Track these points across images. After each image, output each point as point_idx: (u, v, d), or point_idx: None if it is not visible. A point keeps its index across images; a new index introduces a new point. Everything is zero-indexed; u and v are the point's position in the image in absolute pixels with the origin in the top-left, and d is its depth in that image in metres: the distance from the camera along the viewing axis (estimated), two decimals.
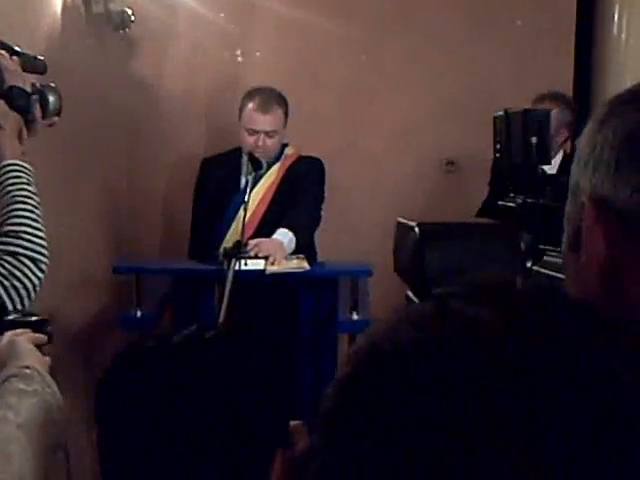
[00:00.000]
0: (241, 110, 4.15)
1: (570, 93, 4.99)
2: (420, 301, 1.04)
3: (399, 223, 1.04)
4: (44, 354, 1.64)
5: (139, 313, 3.91)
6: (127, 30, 4.50)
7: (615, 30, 4.90)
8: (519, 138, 1.49)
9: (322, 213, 4.19)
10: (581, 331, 0.56)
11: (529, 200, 1.43)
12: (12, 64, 2.15)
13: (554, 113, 4.06)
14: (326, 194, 4.22)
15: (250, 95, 4.16)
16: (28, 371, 1.51)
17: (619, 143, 0.86)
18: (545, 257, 1.68)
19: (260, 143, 4.07)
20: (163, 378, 1.27)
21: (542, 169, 1.81)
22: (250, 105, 4.11)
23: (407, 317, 0.61)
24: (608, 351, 0.55)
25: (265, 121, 4.08)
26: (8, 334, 1.62)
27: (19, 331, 1.64)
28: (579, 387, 0.52)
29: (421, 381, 0.54)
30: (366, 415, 0.56)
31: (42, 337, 1.67)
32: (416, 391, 0.54)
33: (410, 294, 0.96)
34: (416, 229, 0.94)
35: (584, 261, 0.89)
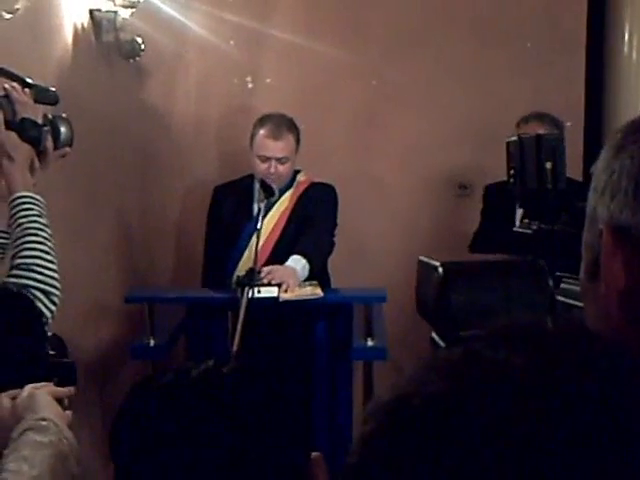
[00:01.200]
0: (252, 137, 4.14)
1: (582, 113, 4.98)
2: (446, 344, 1.02)
3: (421, 262, 1.02)
4: (64, 408, 1.62)
5: (152, 342, 3.89)
6: (137, 59, 4.51)
7: (626, 49, 4.90)
8: (533, 163, 1.47)
9: (335, 239, 4.17)
10: (614, 376, 0.54)
11: (544, 226, 1.42)
12: (24, 96, 2.16)
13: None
14: (338, 220, 4.21)
15: (261, 122, 4.15)
16: (44, 423, 1.50)
17: (637, 169, 0.84)
18: (562, 284, 1.66)
19: (272, 170, 4.05)
20: (181, 414, 1.25)
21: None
22: (262, 132, 4.10)
23: (434, 367, 0.59)
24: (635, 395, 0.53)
25: (277, 148, 4.07)
26: (28, 387, 1.61)
27: (39, 385, 1.63)
28: (611, 433, 0.51)
29: (456, 434, 0.52)
30: (394, 474, 0.54)
31: (63, 390, 1.65)
32: (451, 445, 0.52)
33: (435, 337, 0.94)
34: (440, 269, 0.92)
35: (603, 290, 0.87)
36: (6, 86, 2.17)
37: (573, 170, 3.76)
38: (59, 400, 1.62)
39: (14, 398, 1.60)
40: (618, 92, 4.95)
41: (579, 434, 0.51)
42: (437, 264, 1.00)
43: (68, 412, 1.62)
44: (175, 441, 1.23)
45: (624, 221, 0.84)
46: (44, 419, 1.50)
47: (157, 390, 1.30)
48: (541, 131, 4.13)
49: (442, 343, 1.08)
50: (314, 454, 1.31)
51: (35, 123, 2.16)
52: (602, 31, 5.02)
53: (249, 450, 1.24)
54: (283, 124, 4.12)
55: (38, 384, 1.63)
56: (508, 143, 1.60)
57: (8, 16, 2.98)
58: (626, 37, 4.88)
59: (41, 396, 1.58)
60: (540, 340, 0.59)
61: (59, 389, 1.64)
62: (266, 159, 4.06)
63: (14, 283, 1.96)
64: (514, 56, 5.00)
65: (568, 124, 4.45)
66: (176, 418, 1.25)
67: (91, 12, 4.07)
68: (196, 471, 1.22)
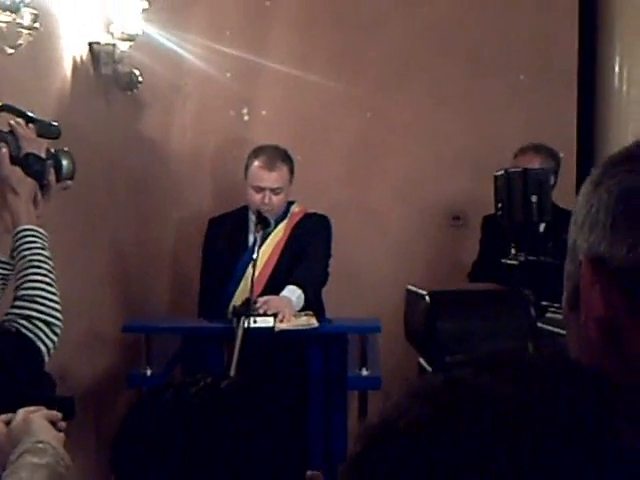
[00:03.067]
0: (247, 168, 4.18)
1: (574, 144, 5.03)
2: (433, 369, 1.05)
3: (409, 291, 1.05)
4: (59, 430, 1.65)
5: (149, 372, 3.91)
6: (135, 91, 4.56)
7: (616, 82, 4.96)
8: (519, 196, 1.50)
9: (329, 269, 4.20)
10: (586, 400, 0.57)
11: (530, 258, 1.45)
12: (28, 132, 2.21)
13: (540, 164, 4.11)
14: (333, 250, 4.24)
15: (256, 153, 4.19)
16: (41, 445, 1.53)
17: (614, 203, 0.87)
18: (547, 314, 1.69)
19: (266, 200, 4.09)
20: (181, 431, 1.28)
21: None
22: (256, 163, 4.14)
23: (418, 393, 0.62)
24: (610, 420, 0.56)
25: (271, 178, 4.11)
26: (21, 411, 1.64)
27: (33, 408, 1.66)
28: (585, 454, 0.53)
29: (435, 459, 0.55)
30: None
31: (56, 414, 1.68)
32: (431, 469, 0.54)
33: (423, 362, 0.97)
34: (427, 297, 0.95)
35: (583, 320, 0.90)
36: (11, 122, 2.22)
37: (565, 200, 3.81)
38: (53, 423, 1.65)
39: (8, 422, 1.63)
40: (609, 123, 5.01)
41: (554, 461, 0.54)
42: (424, 292, 1.03)
43: (61, 434, 1.65)
44: (175, 454, 1.26)
45: (602, 253, 0.87)
46: (41, 442, 1.53)
47: (158, 407, 1.34)
48: (537, 162, 4.19)
49: (429, 369, 1.12)
50: (311, 473, 1.33)
51: (39, 158, 2.21)
52: (593, 64, 5.09)
53: (247, 466, 1.27)
54: (277, 155, 4.16)
55: (31, 407, 1.66)
56: (496, 177, 1.63)
57: (10, 51, 3.03)
58: (616, 70, 4.94)
59: (37, 419, 1.61)
60: (520, 368, 0.61)
61: (52, 412, 1.67)
62: (260, 189, 4.10)
63: (17, 314, 1.99)
64: (507, 88, 5.05)
65: (561, 155, 4.50)
66: (177, 432, 1.28)
67: (90, 45, 4.13)
68: None
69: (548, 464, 0.53)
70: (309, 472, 1.35)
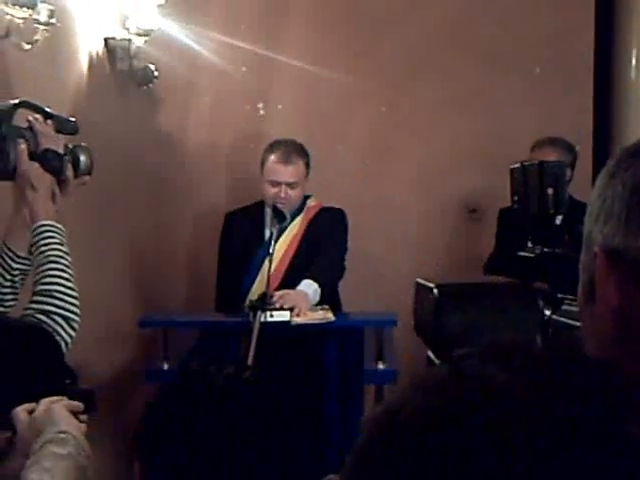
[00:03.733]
0: (263, 163, 4.19)
1: (591, 137, 5.01)
2: (440, 362, 1.05)
3: (418, 284, 1.05)
4: (80, 421, 1.66)
5: (166, 366, 3.93)
6: (151, 86, 4.57)
7: (633, 74, 4.94)
8: (535, 189, 1.51)
9: (345, 263, 4.21)
10: (595, 391, 0.57)
11: (547, 250, 1.45)
12: (46, 128, 2.23)
13: (557, 157, 4.09)
14: (349, 244, 4.24)
15: (271, 147, 4.20)
16: (63, 435, 1.54)
17: (628, 195, 0.88)
18: (563, 306, 1.68)
19: (282, 195, 4.09)
20: (207, 417, 1.30)
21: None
22: (272, 157, 4.15)
23: (422, 383, 0.62)
24: (619, 413, 0.56)
25: (287, 172, 4.12)
26: (44, 401, 1.65)
27: (55, 398, 1.67)
28: (589, 450, 0.53)
29: (436, 449, 0.55)
30: None
31: (78, 404, 1.69)
32: (431, 460, 0.54)
33: (430, 355, 0.97)
34: (435, 290, 0.95)
35: (598, 310, 0.90)
36: (30, 118, 2.24)
37: (582, 193, 3.80)
38: (74, 414, 1.66)
39: (31, 412, 1.64)
40: (626, 116, 4.99)
41: (563, 455, 0.54)
42: (432, 285, 1.03)
43: (83, 425, 1.66)
44: (198, 443, 1.28)
45: (617, 245, 0.88)
46: (63, 432, 1.55)
47: (185, 395, 1.35)
48: (554, 155, 4.17)
49: (437, 361, 1.12)
50: (329, 477, 1.34)
51: (57, 154, 2.23)
52: (610, 57, 5.07)
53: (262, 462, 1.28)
54: (293, 149, 4.17)
55: (53, 397, 1.68)
56: (512, 170, 1.64)
57: (27, 47, 3.05)
58: (633, 62, 4.92)
59: (58, 409, 1.62)
60: (526, 359, 0.61)
61: (74, 402, 1.69)
62: (276, 184, 4.11)
63: (35, 309, 2.01)
64: (523, 81, 5.04)
65: (577, 148, 4.49)
66: (202, 421, 1.30)
67: (106, 40, 4.14)
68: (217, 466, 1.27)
69: (557, 458, 0.53)
70: (328, 477, 1.35)
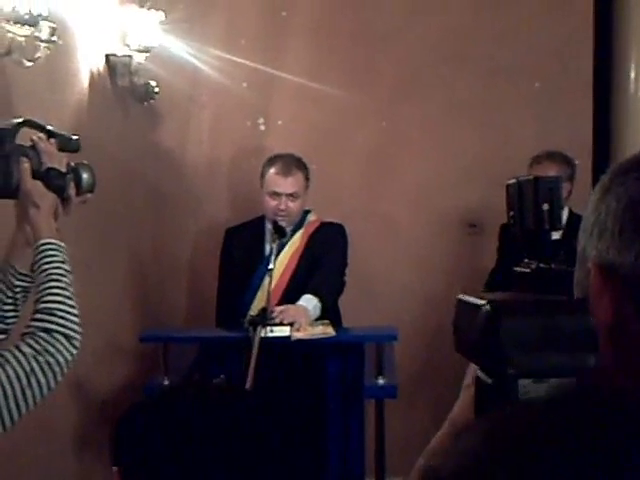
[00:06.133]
0: (263, 176, 4.21)
1: (590, 150, 5.02)
2: (493, 381, 1.06)
3: (460, 301, 1.06)
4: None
5: (166, 381, 3.93)
6: (151, 102, 4.59)
7: (632, 88, 4.95)
8: (531, 205, 1.51)
9: (345, 278, 4.21)
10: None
11: (542, 265, 1.45)
12: (50, 147, 2.24)
13: (556, 172, 4.09)
14: (349, 259, 4.25)
15: (271, 161, 4.22)
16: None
17: (622, 210, 0.88)
18: None
19: (282, 206, 4.11)
20: (194, 428, 1.30)
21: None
22: (272, 170, 4.17)
23: (462, 438, 0.61)
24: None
25: (287, 184, 4.13)
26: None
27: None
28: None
29: None
30: None
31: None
32: None
33: (480, 374, 0.97)
34: (487, 306, 0.96)
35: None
36: (33, 137, 2.25)
37: (581, 207, 3.80)
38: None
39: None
40: (625, 129, 5.00)
41: None
42: (483, 302, 1.03)
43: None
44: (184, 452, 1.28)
45: (611, 260, 0.88)
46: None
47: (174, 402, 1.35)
48: (553, 170, 4.18)
49: (488, 380, 1.13)
50: None
51: (60, 172, 2.24)
52: (609, 71, 5.08)
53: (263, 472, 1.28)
54: (292, 162, 4.19)
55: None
56: (508, 185, 1.65)
57: (29, 64, 3.07)
58: (632, 76, 4.94)
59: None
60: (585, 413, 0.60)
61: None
62: (277, 196, 4.12)
63: (36, 326, 2.01)
64: (523, 96, 5.05)
65: (576, 161, 4.50)
66: (201, 423, 1.30)
67: (107, 57, 4.16)
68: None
69: None
70: None
